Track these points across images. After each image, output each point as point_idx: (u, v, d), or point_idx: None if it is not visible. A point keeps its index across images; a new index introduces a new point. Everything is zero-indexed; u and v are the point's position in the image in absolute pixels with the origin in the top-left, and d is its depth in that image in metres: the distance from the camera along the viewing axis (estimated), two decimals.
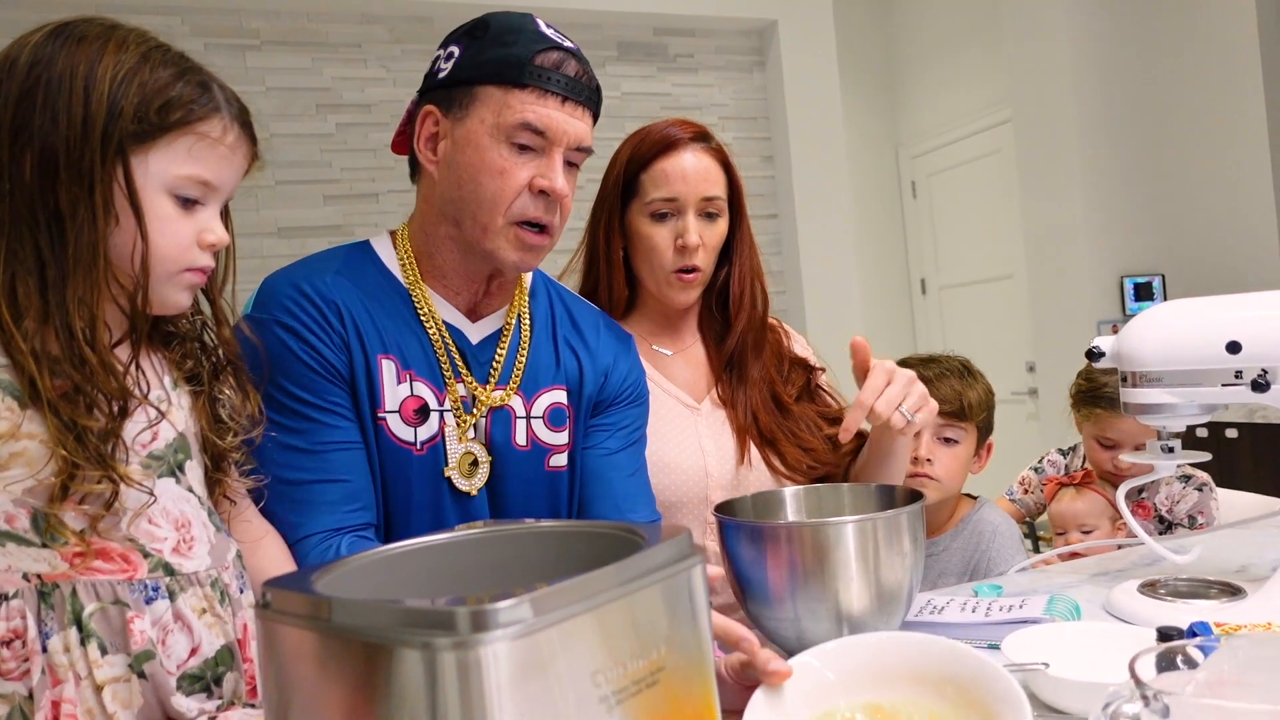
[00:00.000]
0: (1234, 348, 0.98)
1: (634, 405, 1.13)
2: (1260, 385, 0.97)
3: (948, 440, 1.52)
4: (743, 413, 1.27)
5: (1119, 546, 1.52)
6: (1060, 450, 1.98)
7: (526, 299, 1.08)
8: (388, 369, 0.95)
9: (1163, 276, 4.00)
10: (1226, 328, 1.00)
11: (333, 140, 3.25)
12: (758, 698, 0.70)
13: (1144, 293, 4.06)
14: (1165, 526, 1.78)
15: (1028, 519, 1.97)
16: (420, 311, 0.99)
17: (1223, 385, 1.00)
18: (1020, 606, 1.05)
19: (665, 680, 0.53)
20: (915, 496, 0.99)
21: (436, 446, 0.97)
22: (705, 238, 1.22)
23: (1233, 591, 1.08)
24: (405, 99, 1.07)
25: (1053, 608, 1.04)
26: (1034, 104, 4.04)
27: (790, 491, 1.09)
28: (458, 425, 0.98)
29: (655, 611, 0.53)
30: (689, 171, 1.21)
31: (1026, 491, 1.94)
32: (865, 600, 0.92)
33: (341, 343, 0.94)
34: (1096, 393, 1.74)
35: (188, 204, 0.74)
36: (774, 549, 0.92)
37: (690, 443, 1.25)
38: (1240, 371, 0.99)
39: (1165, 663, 0.68)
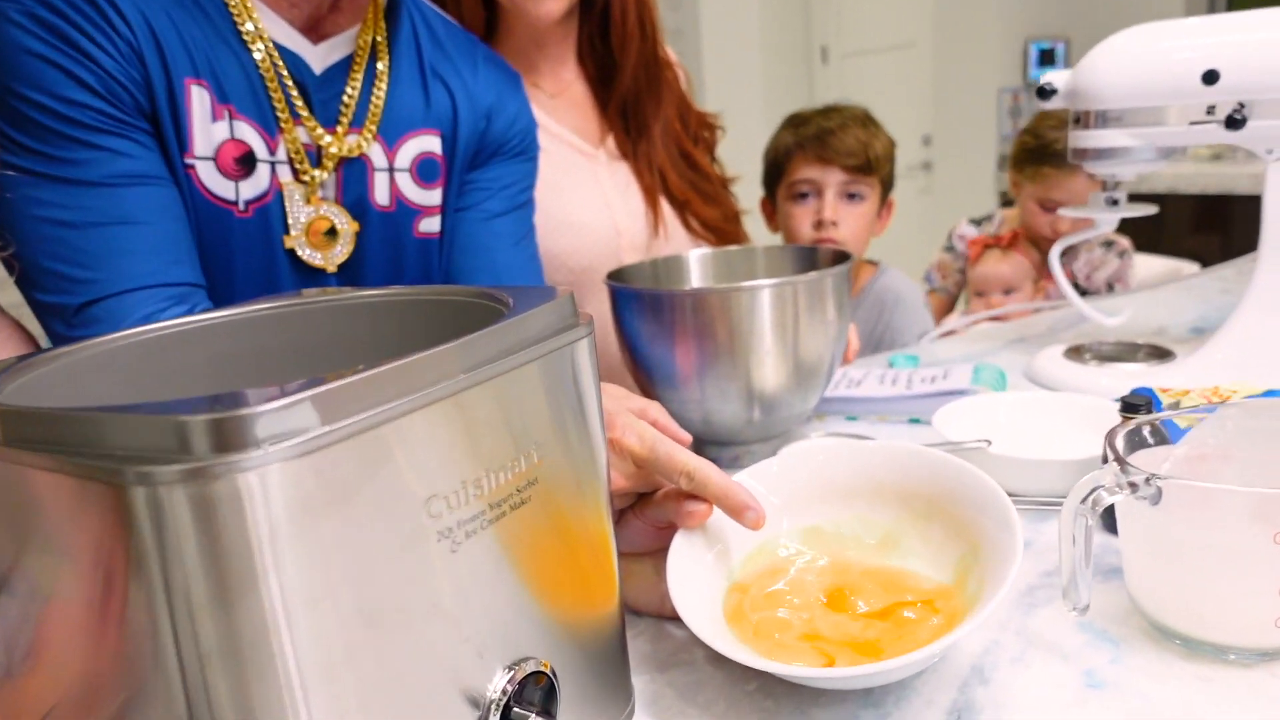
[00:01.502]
0: (1210, 78, 0.84)
1: (521, 159, 0.92)
2: (1235, 121, 0.84)
3: (852, 197, 1.38)
4: (648, 170, 1.07)
5: (1037, 311, 1.45)
6: (973, 221, 1.88)
7: (382, 18, 0.82)
8: (198, 100, 0.70)
9: (1067, 42, 3.86)
10: (1202, 55, 0.85)
11: None
12: (679, 548, 0.53)
13: (1048, 59, 3.93)
14: (1080, 294, 1.72)
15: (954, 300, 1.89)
16: (240, 25, 0.73)
17: (1190, 124, 0.87)
18: (944, 377, 0.95)
19: (538, 500, 0.38)
20: (841, 258, 0.84)
21: (267, 209, 0.75)
22: None
23: (1160, 354, 1.01)
24: None
25: (979, 377, 0.95)
26: None
27: (697, 254, 0.93)
28: (300, 182, 0.75)
29: (525, 403, 0.37)
30: None
31: (945, 276, 1.85)
32: (783, 376, 0.80)
33: (131, 53, 0.67)
34: (1045, 149, 1.63)
35: None
36: (678, 320, 0.78)
37: (593, 196, 1.06)
38: (1213, 106, 0.85)
39: (1135, 440, 0.58)
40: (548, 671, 0.39)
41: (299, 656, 0.29)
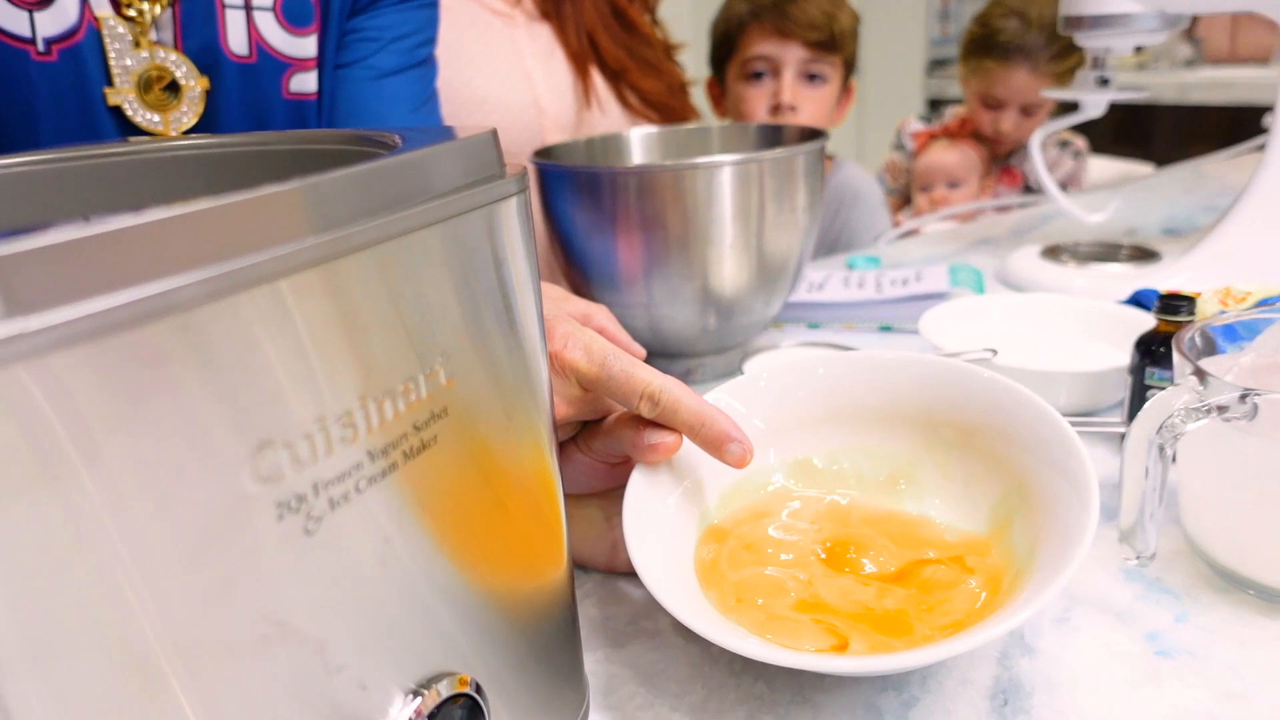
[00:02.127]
0: None
1: (417, 4, 0.74)
2: None
3: (813, 78, 1.23)
4: (575, 32, 0.91)
5: (1004, 208, 1.36)
6: (921, 117, 1.76)
7: None
8: None
9: None
10: None
11: None
12: (636, 487, 0.41)
13: None
14: (1029, 194, 1.64)
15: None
16: None
17: None
18: (918, 279, 0.84)
19: (449, 440, 0.25)
20: (813, 135, 0.71)
21: (78, 51, 0.57)
22: None
23: (1145, 255, 0.92)
24: None
25: (957, 278, 0.84)
26: None
27: (640, 132, 0.78)
28: (125, 19, 0.58)
29: (417, 294, 0.23)
30: None
31: (896, 178, 1.73)
32: (745, 276, 0.67)
33: None
34: (989, 41, 1.49)
35: None
36: (620, 205, 0.64)
37: (511, 66, 0.89)
38: None
39: (1196, 350, 0.47)
40: (469, 690, 0.26)
41: None
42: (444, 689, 0.25)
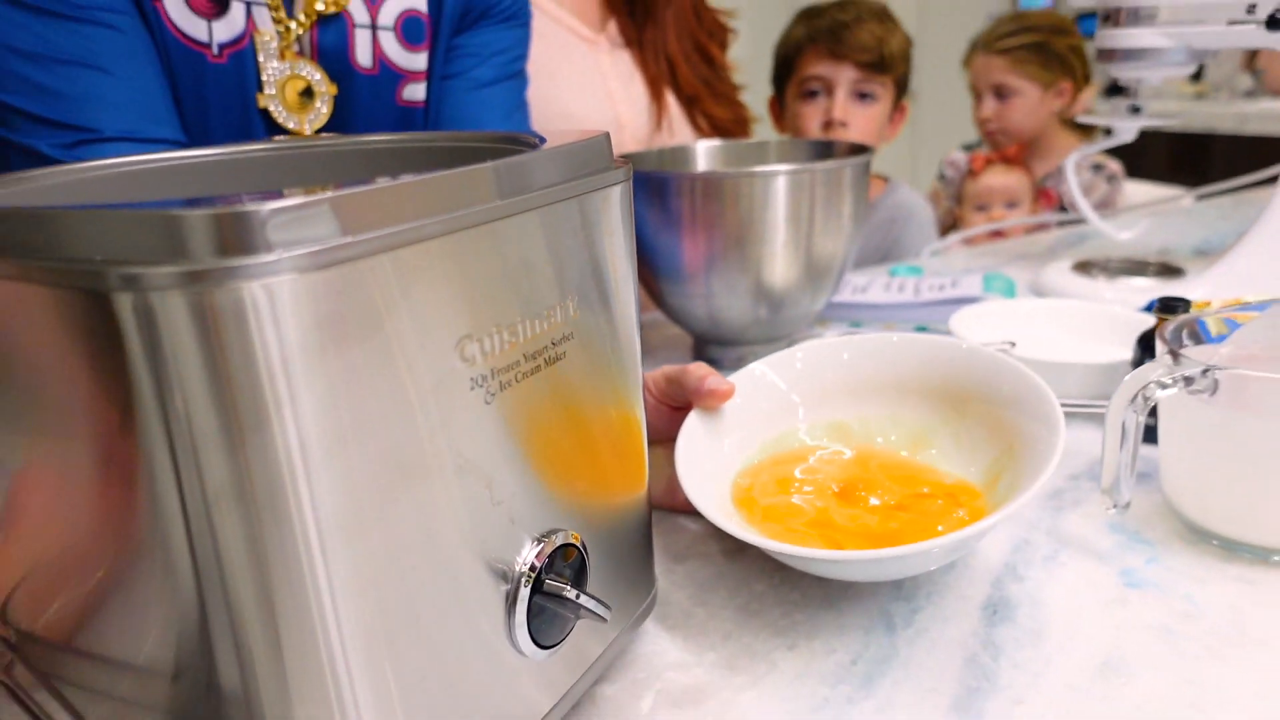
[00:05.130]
0: None
1: (513, 24, 0.85)
2: (1277, 22, 0.80)
3: (864, 96, 1.32)
4: (655, 58, 1.01)
5: (1043, 226, 1.42)
6: (964, 146, 1.84)
7: None
8: None
9: None
10: None
11: None
12: (692, 426, 0.50)
13: None
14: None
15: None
16: None
17: (1229, 23, 0.83)
18: (953, 285, 0.92)
19: (575, 354, 0.34)
20: (860, 150, 0.80)
21: (242, 55, 0.68)
22: None
23: (1170, 271, 0.99)
24: None
25: (990, 285, 0.92)
26: None
27: (705, 145, 0.88)
28: (277, 33, 0.69)
29: (562, 245, 0.33)
30: None
31: (938, 205, 1.82)
32: (794, 273, 0.76)
33: None
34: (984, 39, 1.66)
35: None
36: (685, 207, 0.73)
37: (594, 84, 0.99)
38: (1254, 4, 0.81)
39: (1176, 341, 0.55)
40: (579, 545, 0.35)
41: (317, 504, 0.25)
42: (560, 539, 0.34)
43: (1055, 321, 0.78)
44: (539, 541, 0.34)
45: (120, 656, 0.31)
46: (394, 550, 0.28)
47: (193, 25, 0.64)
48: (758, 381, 0.55)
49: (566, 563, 0.35)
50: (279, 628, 0.26)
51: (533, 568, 0.33)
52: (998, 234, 1.56)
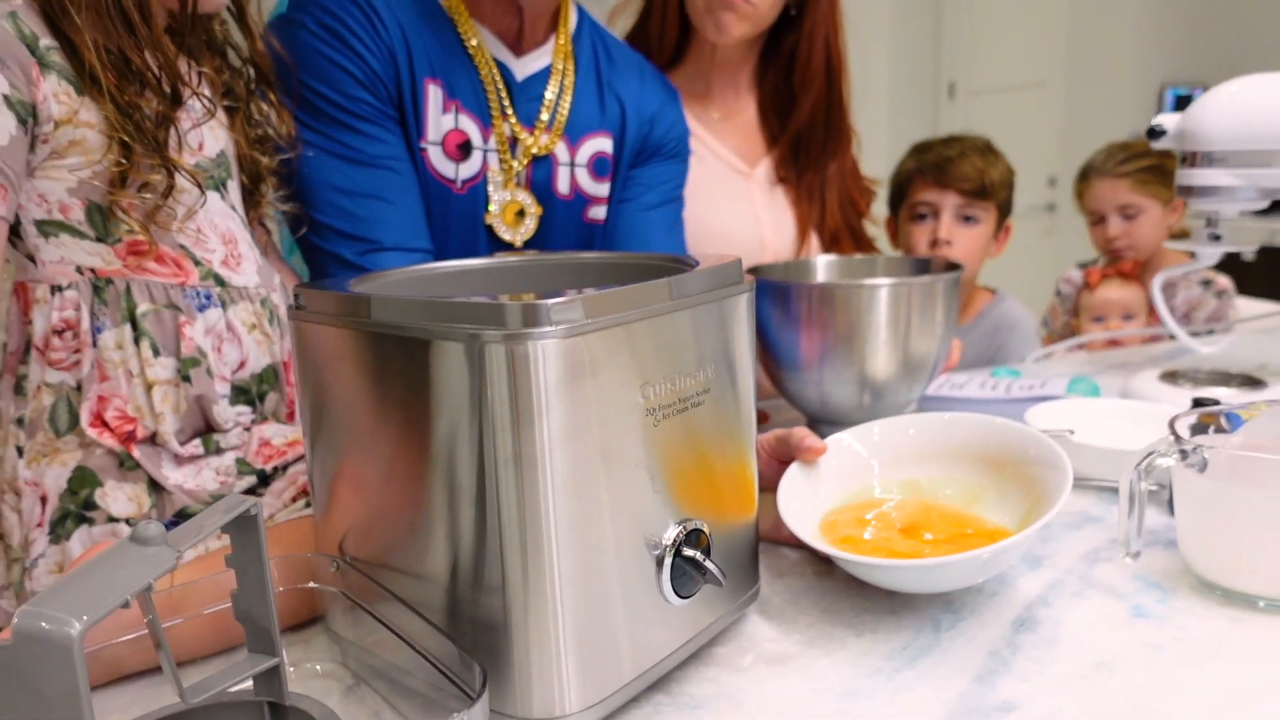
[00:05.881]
0: None
1: (675, 160, 1.07)
2: None
3: (968, 219, 1.49)
4: (809, 198, 1.20)
5: (1142, 338, 1.52)
6: (1080, 264, 1.95)
7: (569, 38, 0.99)
8: (433, 95, 0.88)
9: (1205, 89, 3.81)
10: None
11: None
12: (792, 473, 0.67)
13: (1184, 106, 3.88)
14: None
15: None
16: (466, 39, 0.91)
17: None
18: (1041, 386, 1.05)
19: (710, 404, 0.52)
20: (952, 268, 0.96)
21: (477, 188, 0.92)
22: None
23: (1253, 383, 1.08)
24: None
25: (1074, 387, 1.04)
26: None
27: (824, 260, 1.06)
28: (502, 169, 0.93)
29: (705, 331, 0.51)
30: None
31: (1054, 320, 1.95)
32: (893, 367, 0.91)
33: (388, 55, 0.85)
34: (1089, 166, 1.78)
35: None
36: (804, 310, 0.90)
37: (743, 209, 1.19)
38: None
39: (1200, 428, 0.68)
40: (707, 532, 0.53)
41: (555, 474, 0.44)
42: (693, 525, 0.52)
43: (1121, 418, 0.90)
44: (680, 524, 0.51)
45: (415, 570, 0.50)
46: (595, 510, 0.46)
47: (446, 167, 0.89)
48: (844, 447, 0.71)
49: (698, 545, 0.52)
50: (526, 546, 0.44)
51: (675, 538, 0.50)
52: (1113, 343, 1.65)
